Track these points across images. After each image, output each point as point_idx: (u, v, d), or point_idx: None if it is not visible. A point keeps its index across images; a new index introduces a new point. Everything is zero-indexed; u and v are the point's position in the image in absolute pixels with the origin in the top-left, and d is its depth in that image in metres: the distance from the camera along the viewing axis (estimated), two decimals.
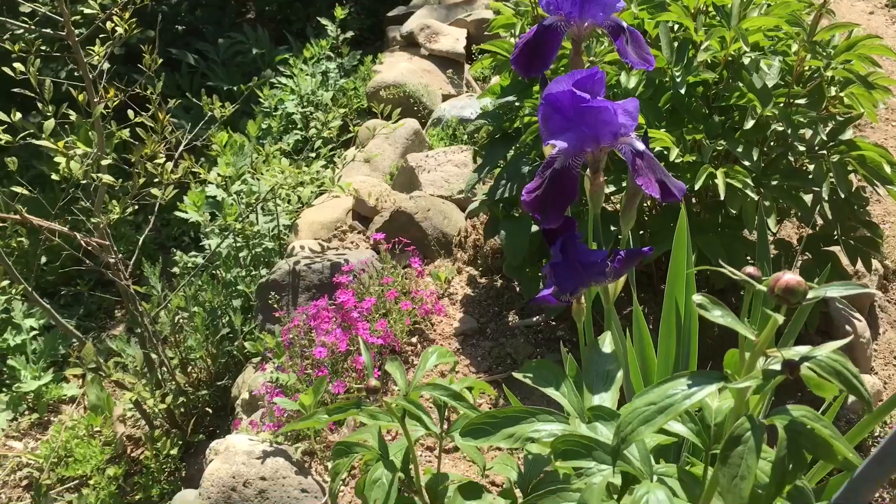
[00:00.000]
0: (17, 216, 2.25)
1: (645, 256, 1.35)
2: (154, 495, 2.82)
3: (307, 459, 2.29)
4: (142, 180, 2.27)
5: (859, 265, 2.58)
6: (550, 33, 1.38)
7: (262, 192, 2.83)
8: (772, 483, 0.91)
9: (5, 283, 2.49)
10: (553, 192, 1.27)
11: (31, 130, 2.05)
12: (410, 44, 4.61)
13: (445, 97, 4.18)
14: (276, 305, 2.62)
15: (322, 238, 3.09)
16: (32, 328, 3.48)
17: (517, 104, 2.48)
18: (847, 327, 2.69)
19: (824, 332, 2.67)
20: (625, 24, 1.41)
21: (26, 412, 3.28)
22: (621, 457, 1.02)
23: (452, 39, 4.36)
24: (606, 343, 1.31)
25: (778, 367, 0.87)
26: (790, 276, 0.84)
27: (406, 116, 3.83)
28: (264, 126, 4.00)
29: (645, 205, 2.36)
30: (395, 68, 4.16)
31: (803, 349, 0.89)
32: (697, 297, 0.94)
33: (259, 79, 4.11)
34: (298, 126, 4.12)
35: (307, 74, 4.16)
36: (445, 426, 1.42)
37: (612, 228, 2.30)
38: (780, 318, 0.85)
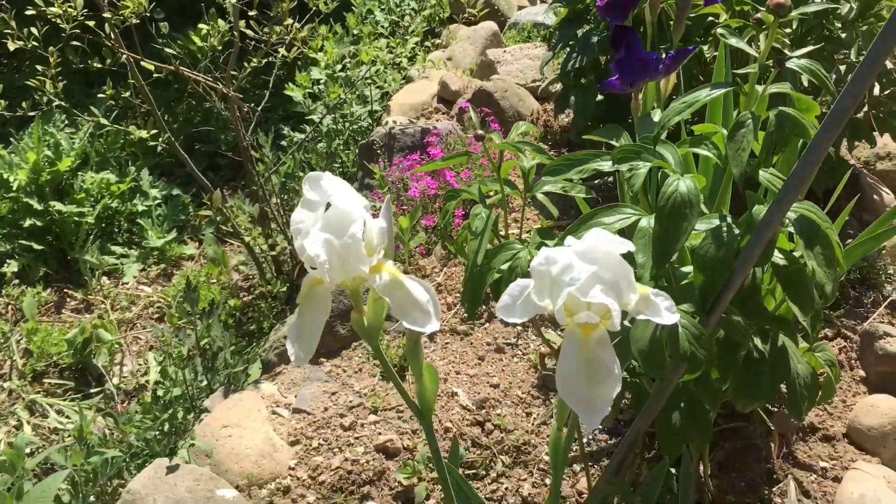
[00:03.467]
0: (172, 67, 2.73)
1: (690, 54, 1.76)
2: (265, 327, 3.33)
3: None
4: (274, 37, 2.73)
5: (887, 139, 2.92)
6: None
7: (362, 71, 3.28)
8: (762, 153, 1.32)
9: (154, 131, 2.99)
10: None
11: None
12: None
13: (521, 8, 4.57)
14: (378, 151, 3.07)
15: (411, 117, 3.53)
16: (156, 197, 4.01)
17: None
18: (875, 196, 3.04)
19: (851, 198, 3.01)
20: None
21: (153, 265, 3.82)
22: (661, 156, 1.44)
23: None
24: (657, 114, 1.72)
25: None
26: None
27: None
28: (355, 32, 4.43)
29: (704, 58, 2.70)
30: None
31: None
32: (720, 29, 1.35)
33: None
34: (386, 34, 4.55)
35: None
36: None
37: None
38: (776, 22, 1.25)
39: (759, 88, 1.35)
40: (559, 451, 1.22)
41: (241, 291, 3.63)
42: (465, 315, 2.62)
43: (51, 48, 2.72)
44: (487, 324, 2.61)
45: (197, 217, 4.06)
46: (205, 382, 2.60)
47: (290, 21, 2.68)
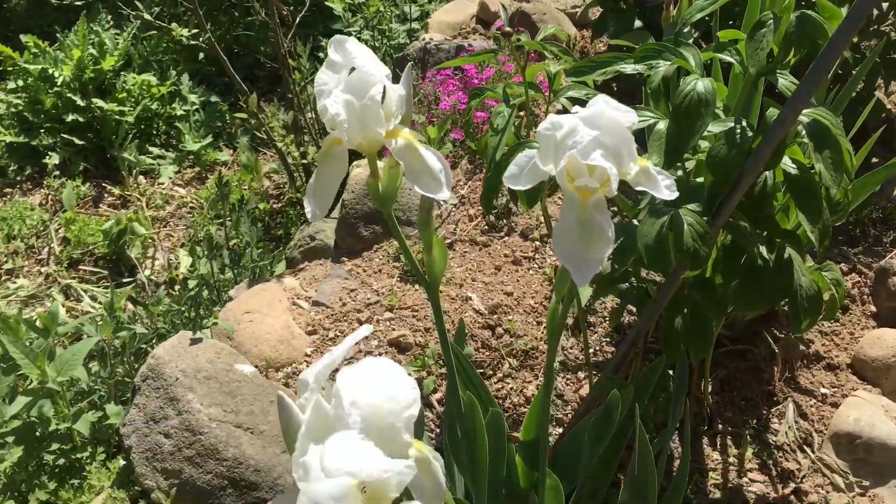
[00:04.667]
0: None
1: None
2: (292, 232, 3.41)
3: None
4: None
5: None
6: None
7: None
8: (780, 54, 1.34)
9: (195, 31, 3.04)
10: None
11: None
12: None
13: None
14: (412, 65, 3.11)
15: (448, 36, 3.54)
16: (194, 103, 4.08)
17: None
18: None
19: (885, 143, 2.97)
20: None
21: (188, 168, 3.92)
22: (681, 55, 1.47)
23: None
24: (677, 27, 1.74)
25: None
26: None
27: None
28: None
29: None
30: None
31: None
32: None
33: None
34: None
35: None
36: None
37: None
38: None
39: None
40: (556, 321, 1.28)
41: (272, 199, 3.72)
42: (485, 227, 2.68)
43: None
44: (507, 237, 2.67)
45: (233, 124, 4.14)
46: (230, 274, 2.70)
47: None
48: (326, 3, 3.66)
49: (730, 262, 1.64)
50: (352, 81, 1.15)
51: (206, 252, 2.63)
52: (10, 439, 1.99)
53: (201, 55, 4.54)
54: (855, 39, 2.83)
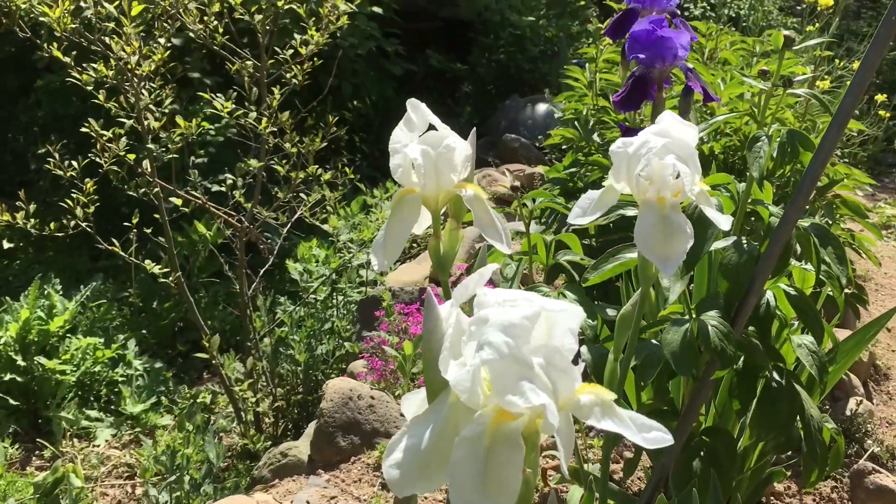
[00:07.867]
0: (199, 200, 2.94)
1: None
2: (242, 485, 3.22)
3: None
4: (302, 174, 2.98)
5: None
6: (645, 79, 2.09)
7: (359, 259, 3.54)
8: (776, 161, 1.54)
9: (167, 269, 3.12)
10: (633, 90, 1.99)
11: (239, 113, 2.82)
12: None
13: None
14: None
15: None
16: (138, 368, 4.01)
17: (579, 171, 3.25)
18: None
19: None
20: (690, 66, 2.11)
21: (127, 432, 3.73)
22: None
23: (508, 183, 5.29)
24: None
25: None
26: None
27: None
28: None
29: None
30: None
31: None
32: None
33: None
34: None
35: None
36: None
37: None
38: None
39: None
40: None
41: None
42: None
43: (87, 179, 2.93)
44: None
45: (176, 391, 4.04)
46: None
47: (315, 169, 2.97)
48: (286, 266, 3.84)
49: (745, 386, 1.68)
50: (427, 137, 1.26)
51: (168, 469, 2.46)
52: None
53: (145, 331, 4.56)
54: None
